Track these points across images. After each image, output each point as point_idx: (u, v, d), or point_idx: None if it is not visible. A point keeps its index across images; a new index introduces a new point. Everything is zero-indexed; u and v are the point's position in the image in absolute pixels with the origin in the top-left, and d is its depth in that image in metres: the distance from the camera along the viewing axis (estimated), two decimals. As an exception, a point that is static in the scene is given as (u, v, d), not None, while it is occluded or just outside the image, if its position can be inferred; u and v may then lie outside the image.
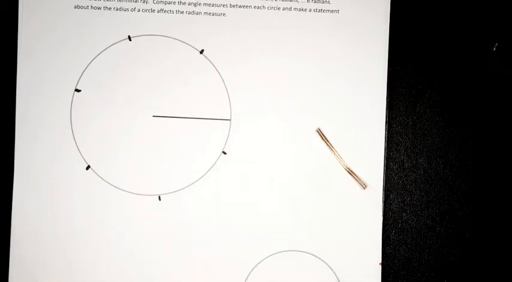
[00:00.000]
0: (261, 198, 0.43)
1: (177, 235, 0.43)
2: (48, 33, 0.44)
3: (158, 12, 0.44)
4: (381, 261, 0.43)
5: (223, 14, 0.44)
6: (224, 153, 0.44)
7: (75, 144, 0.44)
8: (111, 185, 0.44)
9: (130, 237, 0.43)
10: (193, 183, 0.44)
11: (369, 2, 0.44)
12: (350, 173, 0.43)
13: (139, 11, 0.44)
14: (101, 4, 0.44)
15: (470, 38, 0.44)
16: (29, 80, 0.44)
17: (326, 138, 0.43)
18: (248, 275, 0.43)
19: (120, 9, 0.44)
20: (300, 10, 0.44)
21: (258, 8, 0.44)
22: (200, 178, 0.44)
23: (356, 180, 0.43)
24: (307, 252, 0.43)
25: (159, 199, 0.44)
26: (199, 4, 0.44)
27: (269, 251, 0.43)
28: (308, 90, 0.44)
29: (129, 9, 0.44)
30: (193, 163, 0.44)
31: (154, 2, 0.44)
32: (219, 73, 0.44)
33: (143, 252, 0.43)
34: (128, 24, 0.44)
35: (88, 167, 0.44)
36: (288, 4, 0.44)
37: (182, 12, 0.44)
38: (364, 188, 0.43)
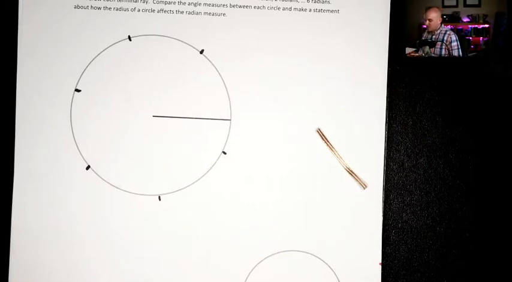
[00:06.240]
0: (261, 198, 0.43)
1: (177, 235, 0.43)
2: (48, 33, 0.44)
3: (158, 12, 0.44)
4: (380, 261, 0.43)
5: (223, 14, 0.44)
6: (224, 153, 0.44)
7: (75, 144, 0.44)
8: (111, 185, 0.44)
9: (130, 237, 0.43)
10: (193, 183, 0.44)
11: (369, 2, 0.44)
12: (350, 173, 0.43)
13: (139, 11, 0.44)
14: (101, 4, 0.44)
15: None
16: (29, 80, 0.44)
17: (326, 138, 0.43)
18: (248, 275, 0.43)
19: (120, 9, 0.44)
20: (300, 10, 0.44)
21: (258, 8, 0.44)
22: (200, 178, 0.44)
23: (356, 180, 0.43)
24: (307, 252, 0.43)
25: (159, 199, 0.44)
26: (199, 4, 0.44)
27: (269, 251, 0.43)
28: (308, 90, 0.44)
29: (129, 9, 0.44)
30: (193, 163, 0.44)
31: (154, 2, 0.44)
32: (219, 73, 0.44)
33: (143, 252, 0.43)
34: (127, 24, 0.44)
35: (88, 167, 0.44)
36: (288, 4, 0.44)
37: (182, 12, 0.44)
38: (364, 188, 0.43)
